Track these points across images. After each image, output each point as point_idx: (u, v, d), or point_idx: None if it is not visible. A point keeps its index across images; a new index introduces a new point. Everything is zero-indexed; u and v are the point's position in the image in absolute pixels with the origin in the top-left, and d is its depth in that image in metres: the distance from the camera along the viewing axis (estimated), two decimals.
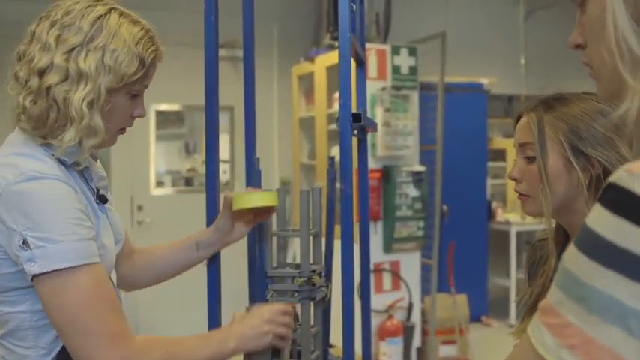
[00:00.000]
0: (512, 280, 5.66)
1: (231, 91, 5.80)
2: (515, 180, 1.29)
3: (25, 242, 1.13)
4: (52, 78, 1.20)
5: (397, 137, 4.22)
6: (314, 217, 1.64)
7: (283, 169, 5.60)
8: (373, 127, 1.66)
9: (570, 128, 1.21)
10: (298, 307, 1.59)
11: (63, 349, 1.22)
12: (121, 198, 5.42)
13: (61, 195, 1.17)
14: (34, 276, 1.14)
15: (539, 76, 6.30)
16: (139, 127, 5.43)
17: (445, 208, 4.73)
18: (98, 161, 1.45)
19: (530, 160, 1.25)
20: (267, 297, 1.59)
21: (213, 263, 1.55)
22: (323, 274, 1.64)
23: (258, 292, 1.59)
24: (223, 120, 5.74)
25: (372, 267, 4.26)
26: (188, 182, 5.86)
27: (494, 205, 5.99)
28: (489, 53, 6.25)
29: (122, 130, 1.36)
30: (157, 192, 5.48)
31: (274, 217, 1.65)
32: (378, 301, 4.25)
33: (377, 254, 4.31)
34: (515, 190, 1.30)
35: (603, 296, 0.57)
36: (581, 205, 1.20)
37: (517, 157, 1.29)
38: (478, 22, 6.25)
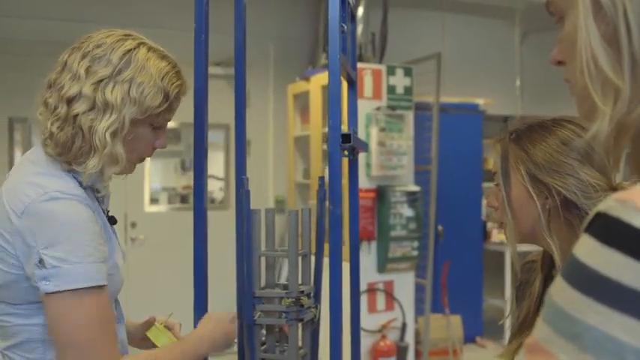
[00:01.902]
0: (507, 301, 5.61)
1: (227, 109, 5.81)
2: (493, 207, 1.31)
3: (41, 261, 1.17)
4: (79, 107, 1.26)
5: (392, 157, 4.21)
6: (303, 238, 1.63)
7: (278, 188, 5.59)
8: (363, 147, 1.66)
9: (530, 157, 1.22)
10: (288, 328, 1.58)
11: None
12: (114, 214, 5.40)
13: (81, 216, 1.21)
14: (46, 293, 1.18)
15: (535, 97, 6.33)
16: None
17: (440, 228, 4.72)
18: None
19: (499, 189, 1.28)
20: (255, 317, 1.58)
21: (200, 274, 1.56)
22: (312, 294, 1.63)
23: (245, 313, 1.58)
24: (219, 138, 5.73)
25: (365, 287, 4.25)
26: (184, 199, 5.85)
27: (489, 225, 5.98)
28: (485, 74, 6.27)
29: (142, 160, 1.42)
30: (151, 209, 5.46)
31: (263, 236, 1.64)
32: (371, 321, 4.23)
33: (371, 274, 4.29)
34: (492, 217, 1.31)
35: (597, 333, 0.54)
36: (542, 232, 1.22)
37: (493, 184, 1.32)
38: (474, 43, 6.29)
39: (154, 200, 5.54)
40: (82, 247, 1.19)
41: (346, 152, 1.60)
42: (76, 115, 1.25)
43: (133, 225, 5.42)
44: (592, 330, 0.54)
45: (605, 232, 0.55)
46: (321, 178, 1.70)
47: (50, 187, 1.21)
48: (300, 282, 1.62)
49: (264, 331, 1.63)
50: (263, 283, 1.65)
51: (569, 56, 0.68)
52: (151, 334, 1.58)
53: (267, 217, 1.67)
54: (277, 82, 5.55)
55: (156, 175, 5.68)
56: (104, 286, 1.22)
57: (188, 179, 5.85)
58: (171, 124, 5.60)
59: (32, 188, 1.21)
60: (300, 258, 1.62)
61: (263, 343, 1.63)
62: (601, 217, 0.56)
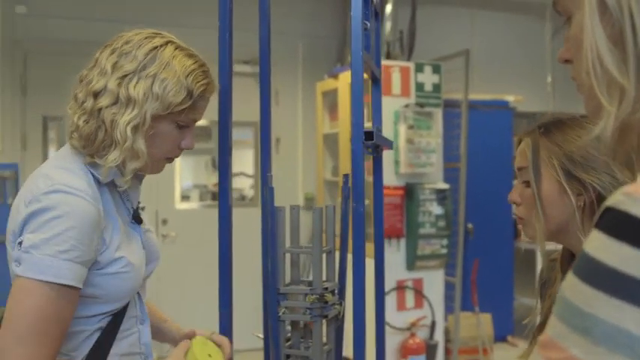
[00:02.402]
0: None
1: (256, 107, 5.83)
2: (514, 203, 1.29)
3: (20, 242, 1.18)
4: (103, 101, 1.27)
5: (420, 154, 4.20)
6: (328, 235, 1.64)
7: (307, 185, 5.60)
8: (388, 145, 1.66)
9: (564, 152, 1.20)
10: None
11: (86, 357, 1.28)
12: (145, 211, 5.48)
13: (77, 213, 1.20)
14: (15, 274, 1.19)
15: (566, 94, 6.23)
16: None
17: (470, 226, 4.69)
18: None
19: (527, 183, 1.25)
20: (279, 314, 1.59)
21: (225, 269, 1.57)
22: (336, 291, 1.63)
23: (270, 309, 1.59)
24: (248, 135, 5.77)
25: (394, 284, 4.25)
26: (214, 197, 5.91)
27: None
28: (516, 71, 6.20)
29: (169, 159, 1.41)
30: (182, 206, 5.52)
31: (288, 233, 1.65)
32: (400, 319, 4.22)
33: (400, 272, 4.28)
34: (514, 214, 1.29)
35: (608, 326, 0.54)
36: (576, 229, 1.19)
37: (517, 180, 1.29)
38: (504, 39, 6.22)
39: (184, 197, 5.61)
40: (61, 242, 1.17)
41: (370, 150, 1.60)
42: (100, 109, 1.27)
43: (164, 222, 5.50)
44: (604, 323, 0.54)
45: (614, 226, 0.56)
46: (346, 176, 1.70)
47: (59, 180, 1.22)
48: (324, 279, 1.64)
49: (289, 327, 1.64)
50: (288, 279, 1.67)
51: (575, 55, 0.69)
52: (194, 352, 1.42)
53: (292, 214, 1.68)
54: (306, 80, 5.57)
55: (187, 172, 5.75)
56: (71, 287, 1.19)
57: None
58: (201, 122, 5.64)
59: (43, 180, 1.22)
60: (324, 255, 1.63)
61: (288, 339, 1.64)
62: (610, 211, 0.57)
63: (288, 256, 1.64)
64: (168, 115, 1.31)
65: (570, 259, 1.29)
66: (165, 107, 1.29)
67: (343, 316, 1.67)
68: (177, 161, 6.22)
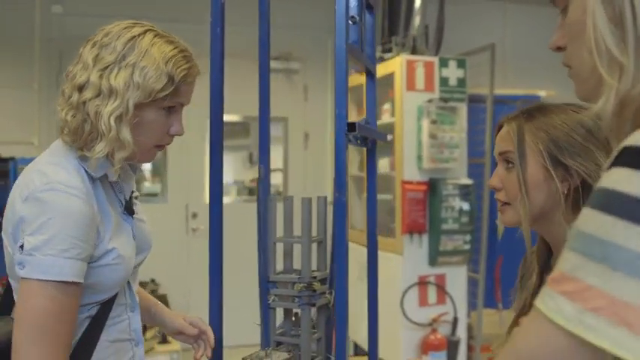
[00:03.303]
0: None
1: (284, 103, 5.88)
2: (494, 188, 1.29)
3: (21, 246, 1.22)
4: (87, 94, 1.30)
5: (443, 149, 4.18)
6: (319, 225, 1.67)
7: None
8: (379, 137, 1.68)
9: (550, 138, 1.20)
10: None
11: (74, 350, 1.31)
12: (176, 206, 5.59)
13: (72, 211, 1.23)
14: (21, 277, 1.22)
15: None
16: (197, 136, 5.61)
17: (501, 228, 4.63)
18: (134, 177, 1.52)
19: (510, 168, 1.25)
20: (269, 301, 1.63)
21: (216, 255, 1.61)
22: (327, 280, 1.66)
23: (261, 297, 1.63)
24: (277, 131, 5.83)
25: (416, 280, 4.24)
26: (251, 192, 5.99)
27: None
28: (548, 65, 6.08)
29: (159, 147, 1.43)
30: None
31: (281, 223, 1.68)
32: (422, 315, 4.21)
33: (422, 267, 4.27)
34: (496, 199, 1.29)
35: (628, 252, 0.56)
36: (558, 215, 1.19)
37: (498, 166, 1.29)
38: (537, 33, 6.11)
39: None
40: (62, 241, 1.20)
41: (359, 142, 1.62)
42: (85, 102, 1.29)
43: (194, 215, 5.60)
44: (623, 249, 0.56)
45: (636, 160, 0.59)
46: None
47: (54, 178, 1.25)
48: (315, 268, 1.66)
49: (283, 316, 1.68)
50: (282, 269, 1.70)
51: (573, 40, 0.75)
52: None
53: (286, 205, 1.72)
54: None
55: (224, 168, 5.84)
56: (74, 283, 1.23)
57: (256, 172, 5.99)
58: (238, 118, 5.71)
59: (38, 176, 1.25)
60: (315, 245, 1.66)
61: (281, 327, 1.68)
62: (629, 148, 0.61)
63: (280, 245, 1.68)
64: (152, 103, 1.33)
65: (546, 252, 1.29)
66: (147, 95, 1.30)
67: (334, 305, 1.69)
68: (207, 155, 6.23)
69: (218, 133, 1.63)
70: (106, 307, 1.38)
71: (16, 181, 1.30)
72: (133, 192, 1.51)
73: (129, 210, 1.45)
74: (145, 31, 1.34)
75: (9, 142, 5.03)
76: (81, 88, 1.31)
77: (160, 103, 1.34)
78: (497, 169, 1.29)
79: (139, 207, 1.53)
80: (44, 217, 1.21)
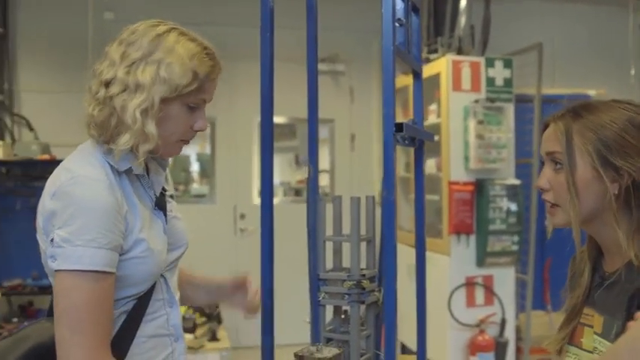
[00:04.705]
0: None
1: (331, 105, 5.91)
2: (542, 189, 1.27)
3: (52, 240, 1.25)
4: (114, 89, 1.33)
5: (491, 150, 4.16)
6: (367, 224, 1.69)
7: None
8: (427, 137, 1.69)
9: (599, 138, 1.18)
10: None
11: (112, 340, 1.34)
12: (225, 207, 5.68)
13: (99, 201, 1.26)
14: (54, 270, 1.25)
15: None
16: (244, 138, 5.68)
17: (550, 228, 4.57)
18: (167, 175, 1.56)
19: (558, 169, 1.23)
20: (319, 298, 1.67)
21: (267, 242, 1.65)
22: (376, 278, 1.69)
23: (312, 294, 1.67)
24: (323, 133, 5.87)
25: (464, 280, 4.23)
26: (298, 193, 6.05)
27: None
28: (598, 64, 6.00)
29: (184, 142, 1.46)
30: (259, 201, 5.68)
31: (330, 222, 1.72)
32: (469, 315, 4.20)
33: (469, 268, 4.26)
34: (544, 199, 1.28)
35: None
36: (609, 216, 1.18)
37: (545, 166, 1.27)
38: (585, 31, 6.03)
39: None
40: (89, 232, 1.23)
41: (407, 142, 1.64)
42: (112, 97, 1.32)
43: (242, 216, 5.68)
44: None
45: None
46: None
47: (78, 172, 1.28)
48: (364, 267, 1.69)
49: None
50: (331, 267, 1.73)
51: None
52: None
53: (335, 205, 1.75)
54: (381, 77, 5.58)
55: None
56: (106, 272, 1.25)
57: (302, 173, 6.05)
58: (285, 120, 5.76)
59: (64, 173, 1.29)
60: (365, 243, 1.69)
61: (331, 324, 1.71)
62: None
63: (330, 244, 1.71)
64: (177, 98, 1.35)
65: (595, 252, 1.28)
66: (172, 90, 1.33)
67: (383, 302, 1.72)
68: (255, 156, 6.31)
69: (268, 135, 1.68)
70: (143, 301, 1.39)
71: (47, 181, 1.33)
72: (166, 190, 1.54)
73: (160, 206, 1.46)
74: (170, 30, 1.37)
75: (64, 145, 5.18)
76: (108, 84, 1.33)
77: (185, 98, 1.37)
78: (544, 170, 1.27)
79: (173, 205, 1.55)
80: (70, 209, 1.24)
